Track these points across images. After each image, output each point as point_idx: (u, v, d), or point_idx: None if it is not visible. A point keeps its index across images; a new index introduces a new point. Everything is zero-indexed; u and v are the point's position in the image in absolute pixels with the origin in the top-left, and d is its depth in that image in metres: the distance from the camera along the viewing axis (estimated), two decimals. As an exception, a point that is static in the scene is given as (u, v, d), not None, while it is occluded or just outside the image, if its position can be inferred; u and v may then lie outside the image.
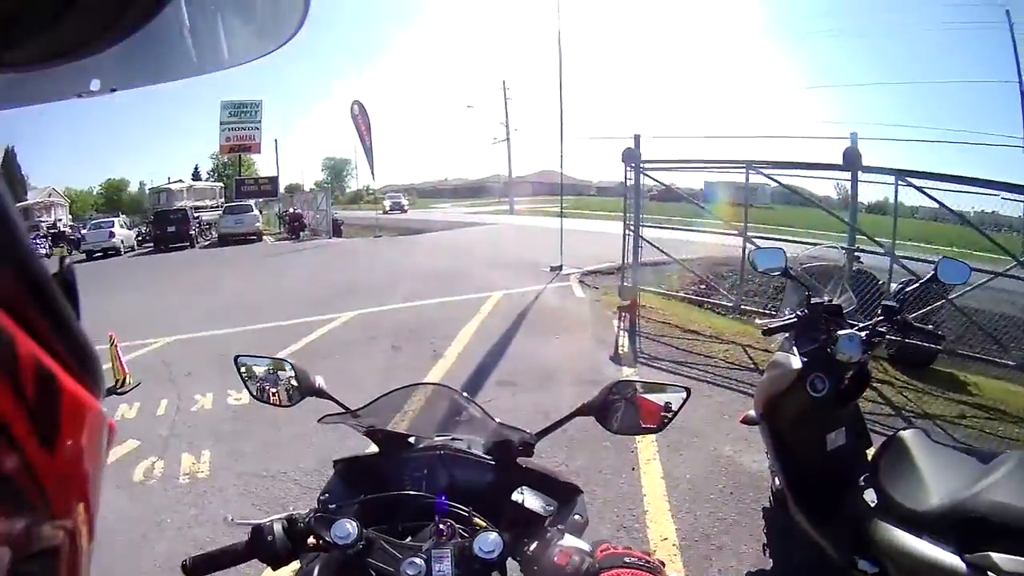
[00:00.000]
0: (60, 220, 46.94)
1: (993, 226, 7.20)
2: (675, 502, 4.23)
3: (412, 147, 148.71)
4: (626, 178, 9.91)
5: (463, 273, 13.99)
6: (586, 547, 1.31)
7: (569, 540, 1.34)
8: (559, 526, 1.42)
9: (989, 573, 2.12)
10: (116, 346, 6.94)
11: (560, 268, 13.30)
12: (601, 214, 28.52)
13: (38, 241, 34.50)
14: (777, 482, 3.39)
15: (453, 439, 1.75)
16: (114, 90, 0.63)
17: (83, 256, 28.92)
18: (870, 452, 3.05)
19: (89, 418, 0.43)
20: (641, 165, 9.78)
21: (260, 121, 45.51)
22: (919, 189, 7.30)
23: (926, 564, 2.32)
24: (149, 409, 6.33)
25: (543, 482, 1.61)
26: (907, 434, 2.82)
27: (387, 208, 50.03)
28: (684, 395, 1.61)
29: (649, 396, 1.64)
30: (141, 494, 4.64)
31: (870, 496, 2.81)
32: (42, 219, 44.91)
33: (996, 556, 2.12)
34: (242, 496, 4.57)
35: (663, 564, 1.28)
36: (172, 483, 4.82)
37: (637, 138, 9.84)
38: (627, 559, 1.27)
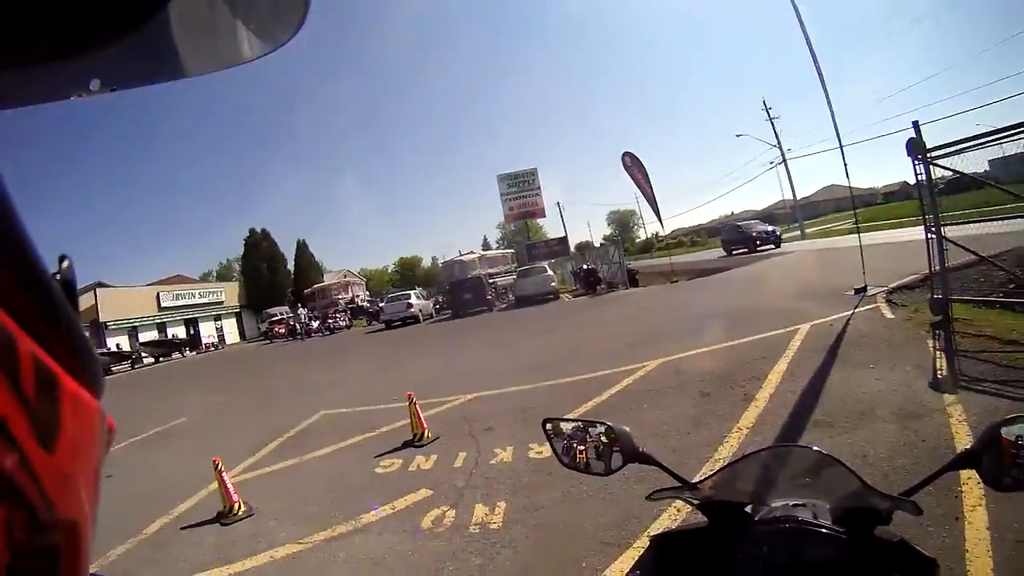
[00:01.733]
0: (358, 296, 56.54)
1: None
2: (999, 560, 3.46)
3: (691, 189, 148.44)
4: (916, 173, 8.77)
5: (766, 308, 13.24)
6: None
7: None
8: None
9: None
10: (415, 404, 7.52)
11: (865, 289, 12.19)
12: (893, 222, 25.92)
13: (338, 315, 41.15)
14: None
15: (795, 505, 1.49)
16: (114, 90, 0.64)
17: (383, 326, 33.64)
18: None
19: (89, 417, 0.43)
20: (928, 155, 8.56)
21: (539, 187, 48.87)
22: None
23: None
24: (446, 461, 6.64)
25: (899, 556, 1.30)
26: None
27: (756, 240, 38.33)
28: None
29: None
30: (426, 540, 4.80)
31: None
32: (339, 296, 53.82)
33: None
34: (534, 550, 4.48)
35: None
36: (461, 532, 4.90)
37: (916, 125, 8.68)
38: None
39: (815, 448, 1.52)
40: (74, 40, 0.47)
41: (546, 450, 6.08)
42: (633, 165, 31.45)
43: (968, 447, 1.29)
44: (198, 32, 0.65)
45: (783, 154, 52.66)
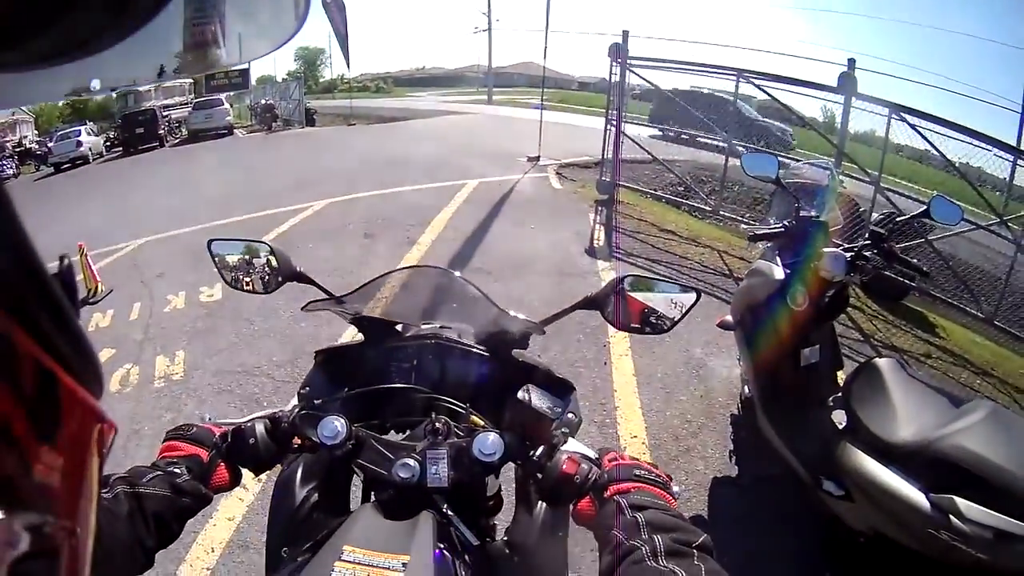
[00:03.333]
0: (26, 137, 45.36)
1: (977, 180, 6.97)
2: (645, 400, 4.29)
3: (389, 35, 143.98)
4: (611, 73, 9.56)
5: (438, 161, 13.69)
6: (592, 454, 1.22)
7: (573, 445, 1.24)
8: (563, 429, 1.33)
9: (952, 517, 2.17)
10: (87, 255, 6.85)
11: (538, 159, 12.96)
12: (582, 109, 27.74)
13: (4, 163, 32.96)
14: (747, 390, 3.42)
15: (442, 327, 1.65)
16: (114, 89, 0.64)
17: (51, 170, 27.83)
18: (840, 375, 3.07)
19: (89, 417, 0.43)
20: (628, 61, 9.41)
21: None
22: (912, 127, 6.99)
23: (892, 496, 2.36)
24: (122, 315, 6.30)
25: (540, 378, 1.51)
26: (883, 362, 2.82)
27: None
28: (694, 297, 1.48)
29: (656, 294, 1.50)
30: (118, 403, 4.61)
31: (838, 418, 2.85)
32: (7, 139, 43.42)
33: (960, 501, 2.17)
34: (218, 395, 4.62)
35: (670, 479, 1.17)
36: (148, 388, 4.83)
37: (626, 34, 9.40)
38: (636, 472, 1.14)
39: (457, 274, 1.71)
40: (74, 40, 0.45)
41: (216, 292, 6.21)
42: (333, 3, 29.89)
43: (594, 292, 1.50)
44: (198, 32, 0.64)
45: (489, 23, 53.37)
